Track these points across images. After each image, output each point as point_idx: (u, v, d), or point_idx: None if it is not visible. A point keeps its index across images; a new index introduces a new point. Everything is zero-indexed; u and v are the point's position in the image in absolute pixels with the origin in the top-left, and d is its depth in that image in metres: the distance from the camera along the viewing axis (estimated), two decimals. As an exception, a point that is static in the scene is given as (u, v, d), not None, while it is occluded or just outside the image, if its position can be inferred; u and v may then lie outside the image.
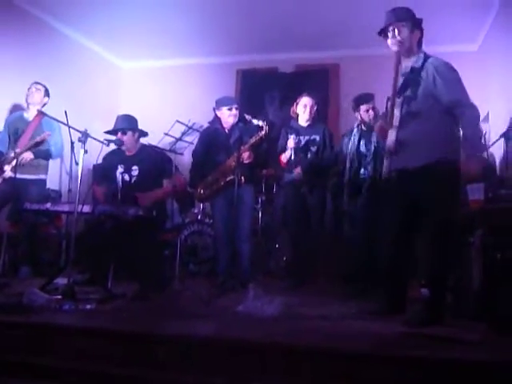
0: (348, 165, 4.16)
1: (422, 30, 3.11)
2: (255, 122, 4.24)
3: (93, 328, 2.56)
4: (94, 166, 6.09)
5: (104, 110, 6.77)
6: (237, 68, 7.00)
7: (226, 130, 4.45)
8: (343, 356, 2.19)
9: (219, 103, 4.45)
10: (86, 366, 2.39)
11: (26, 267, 4.54)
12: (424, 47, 3.17)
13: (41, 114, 4.71)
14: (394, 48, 3.07)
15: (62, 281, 3.58)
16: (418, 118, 2.97)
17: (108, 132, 4.14)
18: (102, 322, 2.73)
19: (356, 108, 4.24)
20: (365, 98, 4.21)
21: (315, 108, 4.55)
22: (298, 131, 4.49)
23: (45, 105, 4.85)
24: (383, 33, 3.12)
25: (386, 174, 3.16)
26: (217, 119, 4.48)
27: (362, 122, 4.20)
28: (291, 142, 4.39)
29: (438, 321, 2.79)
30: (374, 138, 4.05)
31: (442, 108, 2.93)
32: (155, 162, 4.04)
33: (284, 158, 4.46)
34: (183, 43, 6.54)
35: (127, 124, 4.13)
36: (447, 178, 2.89)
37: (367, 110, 4.18)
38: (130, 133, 4.10)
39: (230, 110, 4.39)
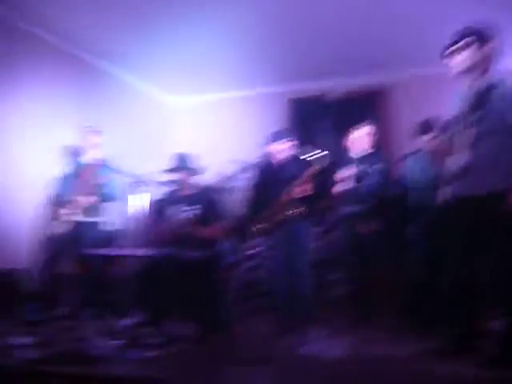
0: (413, 192, 4.03)
1: (493, 45, 2.90)
2: (309, 154, 4.19)
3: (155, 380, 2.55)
4: (150, 203, 6.26)
5: (156, 148, 6.93)
6: (288, 97, 7.01)
7: (280, 164, 4.42)
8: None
9: (270, 138, 4.45)
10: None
11: (90, 308, 4.61)
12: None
13: (98, 158, 4.87)
14: (458, 69, 2.94)
15: (123, 322, 3.64)
16: (487, 140, 2.81)
17: (165, 171, 4.20)
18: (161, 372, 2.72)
19: (419, 136, 4.13)
20: (427, 127, 4.09)
21: (369, 138, 4.47)
22: (353, 163, 4.42)
23: (98, 147, 4.97)
24: (447, 52, 2.97)
25: (450, 200, 3.01)
26: (269, 153, 4.48)
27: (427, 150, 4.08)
28: (345, 174, 4.32)
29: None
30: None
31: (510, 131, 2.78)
32: (210, 204, 4.06)
33: (337, 189, 4.38)
34: (232, 75, 6.61)
35: (182, 163, 4.18)
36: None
37: (431, 139, 4.05)
38: (184, 171, 4.14)
39: (281, 144, 4.37)
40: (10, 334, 3.46)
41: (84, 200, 4.68)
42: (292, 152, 4.38)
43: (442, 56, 2.98)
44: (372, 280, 4.40)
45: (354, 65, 6.23)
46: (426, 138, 4.05)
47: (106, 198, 4.83)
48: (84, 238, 4.65)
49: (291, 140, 4.41)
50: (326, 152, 5.69)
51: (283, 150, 4.36)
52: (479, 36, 2.89)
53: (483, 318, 2.98)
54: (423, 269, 3.93)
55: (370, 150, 4.47)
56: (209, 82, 6.83)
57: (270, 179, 4.40)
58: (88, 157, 4.95)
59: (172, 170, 4.16)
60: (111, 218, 5.15)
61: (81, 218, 4.71)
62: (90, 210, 4.76)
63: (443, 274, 3.47)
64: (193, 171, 4.18)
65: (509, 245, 2.74)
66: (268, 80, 6.75)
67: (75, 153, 5.13)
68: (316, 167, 4.15)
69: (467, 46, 2.89)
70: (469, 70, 2.91)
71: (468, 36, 2.90)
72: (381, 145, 6.16)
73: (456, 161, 2.94)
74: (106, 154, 4.97)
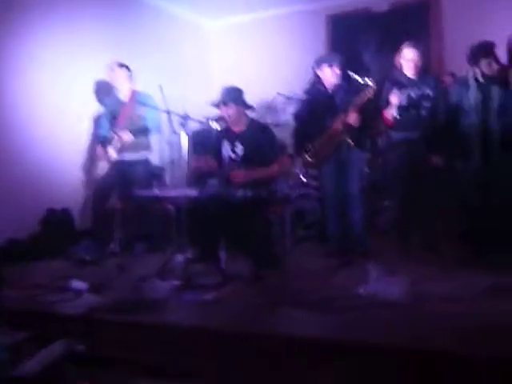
0: (466, 120, 3.75)
1: None
2: (359, 79, 3.92)
3: (213, 328, 2.54)
4: (192, 132, 6.14)
5: (196, 76, 6.73)
6: (326, 13, 6.59)
7: (330, 91, 4.18)
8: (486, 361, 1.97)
9: (319, 62, 4.18)
10: (208, 366, 2.38)
11: (141, 244, 4.67)
12: None
13: (134, 93, 4.72)
14: None
15: (177, 258, 3.64)
16: None
17: (212, 104, 4.01)
18: (220, 319, 2.71)
19: (475, 61, 3.75)
20: (485, 50, 3.69)
21: (421, 58, 4.13)
22: (406, 85, 4.12)
23: (129, 81, 4.81)
24: None
25: None
26: (317, 79, 4.22)
27: (483, 75, 3.72)
28: (394, 99, 4.03)
29: None
30: (496, 94, 3.60)
31: None
32: (262, 140, 3.84)
33: (389, 114, 4.13)
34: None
35: (231, 96, 3.91)
36: None
37: (489, 64, 3.66)
38: (233, 105, 3.89)
39: (331, 67, 4.11)
40: (66, 275, 3.52)
41: (126, 137, 4.60)
42: (342, 77, 4.12)
43: None
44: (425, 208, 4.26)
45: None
46: (484, 61, 3.67)
47: (143, 131, 4.72)
48: (131, 175, 4.64)
49: (340, 64, 4.14)
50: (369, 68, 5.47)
51: (333, 75, 4.11)
52: None
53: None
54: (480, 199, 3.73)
55: (420, 73, 4.15)
56: (241, 2, 6.42)
57: (319, 106, 4.18)
58: (123, 92, 4.80)
59: (220, 104, 3.92)
60: (157, 154, 5.11)
61: (125, 155, 4.67)
62: (134, 146, 4.68)
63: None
64: (243, 106, 3.94)
65: None
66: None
67: (110, 89, 5.00)
68: (368, 92, 3.90)
69: None
70: None
71: None
72: (429, 61, 5.84)
73: None
74: (143, 86, 4.82)
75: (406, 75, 4.13)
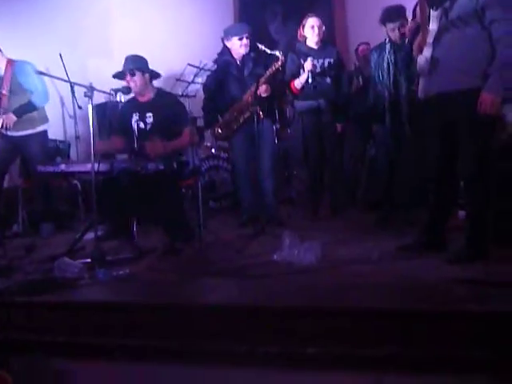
0: (379, 86, 3.85)
1: None
2: (268, 51, 3.95)
3: (128, 302, 2.50)
4: (95, 105, 5.90)
5: (98, 45, 6.43)
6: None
7: (238, 62, 4.17)
8: (392, 315, 2.10)
9: (228, 33, 4.15)
10: (127, 340, 2.34)
11: (47, 223, 4.43)
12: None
13: (10, 63, 4.32)
14: None
15: (86, 236, 3.53)
16: (457, 32, 2.64)
17: (116, 75, 3.86)
18: (135, 293, 2.68)
19: (383, 24, 3.80)
20: (391, 15, 3.76)
21: (323, 29, 4.23)
22: (310, 55, 4.20)
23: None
24: None
25: (423, 96, 2.91)
26: (226, 50, 4.19)
27: (390, 41, 3.82)
28: (308, 65, 4.10)
29: (482, 255, 2.70)
30: (400, 61, 3.73)
31: (482, 23, 2.60)
32: (171, 109, 3.76)
33: (298, 84, 4.20)
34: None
35: (136, 64, 3.78)
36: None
37: (393, 29, 3.76)
38: (139, 74, 3.77)
39: (240, 39, 4.10)
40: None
41: (10, 119, 4.23)
42: (250, 48, 4.12)
43: None
44: (334, 174, 4.42)
45: None
46: (392, 25, 3.75)
47: (27, 108, 4.34)
48: (28, 151, 4.35)
49: (249, 35, 4.13)
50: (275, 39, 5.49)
51: (241, 46, 4.10)
52: None
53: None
54: (389, 165, 3.90)
55: (322, 43, 4.25)
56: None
57: (229, 77, 4.16)
58: (2, 63, 4.33)
59: (126, 73, 3.78)
60: (54, 127, 4.81)
61: (17, 132, 4.33)
62: (25, 121, 4.33)
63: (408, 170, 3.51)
64: (148, 73, 3.82)
65: (478, 145, 2.70)
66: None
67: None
68: (276, 64, 3.95)
69: None
70: None
71: None
72: (333, 34, 5.97)
73: (424, 54, 2.81)
74: (44, 54, 4.53)
75: (308, 45, 4.22)
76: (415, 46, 2.88)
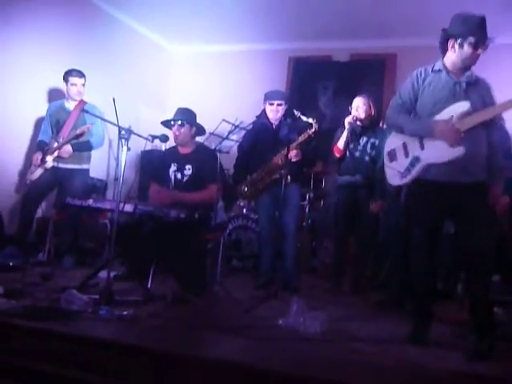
0: None
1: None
2: (304, 118, 4.04)
3: (125, 343, 2.46)
4: (141, 152, 6.12)
5: (152, 96, 6.75)
6: (289, 55, 6.77)
7: (274, 126, 4.27)
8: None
9: (265, 97, 4.30)
10: (113, 382, 2.30)
11: (70, 257, 4.53)
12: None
13: (82, 103, 4.67)
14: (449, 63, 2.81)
15: (103, 274, 3.55)
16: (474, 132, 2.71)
17: (164, 122, 4.02)
18: (134, 336, 2.64)
19: None
20: None
21: (369, 108, 4.28)
22: (356, 131, 4.26)
23: (82, 91, 4.76)
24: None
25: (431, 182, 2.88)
26: (264, 113, 4.32)
27: None
28: (348, 119, 4.20)
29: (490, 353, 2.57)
30: None
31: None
32: (208, 163, 3.85)
33: (340, 144, 4.23)
34: (235, 28, 6.38)
35: (187, 117, 3.95)
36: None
37: None
38: (187, 126, 3.93)
39: (271, 104, 4.23)
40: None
41: (67, 150, 4.52)
42: (287, 113, 4.22)
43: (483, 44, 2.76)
44: (359, 252, 4.35)
45: (362, 28, 5.99)
46: None
47: (84, 147, 4.65)
48: (67, 185, 4.53)
49: (286, 102, 4.25)
50: (323, 112, 5.59)
51: (272, 111, 4.21)
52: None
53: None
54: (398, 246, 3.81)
55: (370, 121, 4.30)
56: (211, 32, 6.57)
57: (263, 140, 4.26)
58: (73, 103, 4.74)
59: (175, 122, 3.93)
60: (97, 167, 5.02)
61: (64, 164, 4.58)
62: (75, 157, 4.60)
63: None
64: (195, 127, 3.97)
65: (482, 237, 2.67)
66: (274, 36, 6.49)
67: (60, 96, 4.94)
68: (310, 131, 4.01)
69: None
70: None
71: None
72: (381, 108, 6.05)
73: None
74: (99, 96, 4.77)
75: (356, 123, 4.27)
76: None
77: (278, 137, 4.21)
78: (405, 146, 2.89)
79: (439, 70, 2.82)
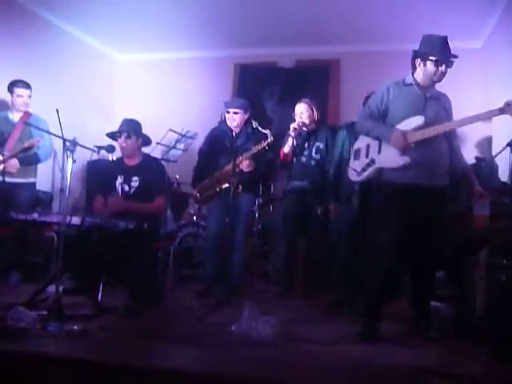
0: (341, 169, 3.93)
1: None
2: (261, 129, 4.10)
3: (73, 359, 2.43)
4: (88, 162, 6.02)
5: (98, 105, 6.65)
6: (234, 62, 6.82)
7: (234, 133, 4.30)
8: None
9: (227, 105, 4.34)
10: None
11: (15, 273, 4.40)
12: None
13: (27, 115, 4.56)
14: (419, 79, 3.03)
15: (51, 289, 3.47)
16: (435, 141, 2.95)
17: (110, 134, 3.98)
18: (86, 350, 2.60)
19: None
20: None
21: (312, 113, 4.38)
22: (302, 137, 4.35)
23: (27, 102, 4.61)
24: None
25: (391, 186, 3.01)
26: (224, 121, 4.36)
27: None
28: (291, 129, 4.27)
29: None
30: None
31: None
32: (155, 175, 3.87)
33: (286, 148, 4.31)
34: (180, 36, 6.36)
35: (133, 128, 3.94)
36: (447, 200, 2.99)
37: None
38: (133, 137, 3.92)
39: (228, 112, 4.26)
40: None
41: (13, 166, 4.39)
42: (246, 123, 4.28)
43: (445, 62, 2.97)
44: (308, 255, 4.43)
45: (306, 35, 6.10)
46: None
47: (32, 160, 4.53)
48: (12, 199, 4.39)
49: (247, 110, 4.29)
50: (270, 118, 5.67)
51: (235, 118, 4.25)
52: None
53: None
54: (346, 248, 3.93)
55: (315, 126, 4.40)
56: (156, 40, 6.53)
57: (220, 146, 4.28)
58: (17, 114, 4.60)
59: (121, 134, 3.91)
60: (42, 179, 4.89)
61: (10, 178, 4.43)
62: (19, 170, 4.46)
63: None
64: (141, 139, 3.97)
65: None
66: (219, 44, 6.52)
67: (2, 108, 4.79)
68: (264, 143, 4.07)
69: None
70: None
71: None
72: (326, 113, 6.20)
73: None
74: (43, 106, 4.65)
75: (302, 128, 4.34)
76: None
77: (234, 145, 4.24)
78: (368, 147, 3.12)
79: (410, 84, 3.03)
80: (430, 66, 2.94)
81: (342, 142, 4.02)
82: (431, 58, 2.92)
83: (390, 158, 2.95)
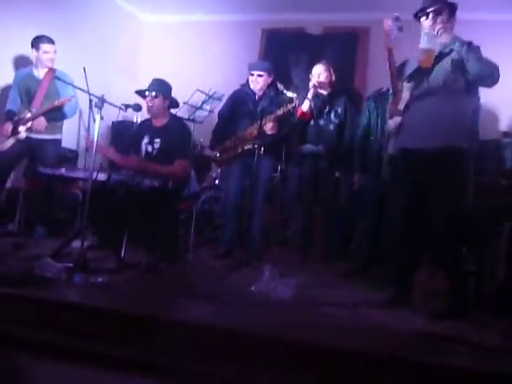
0: (375, 135, 3.89)
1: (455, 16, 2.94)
2: (287, 92, 4.07)
3: (99, 308, 2.50)
4: (112, 123, 6.06)
5: (123, 66, 6.64)
6: (262, 27, 6.74)
7: (256, 96, 4.28)
8: (352, 356, 2.09)
9: (251, 67, 4.30)
10: (90, 345, 2.34)
11: (42, 227, 4.50)
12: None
13: (52, 71, 4.57)
14: (426, 30, 2.89)
15: (76, 244, 3.56)
16: (440, 95, 2.83)
17: (138, 92, 3.99)
18: (109, 300, 2.68)
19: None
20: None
21: (332, 75, 4.35)
22: (320, 99, 4.32)
23: (53, 58, 4.61)
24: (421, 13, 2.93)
25: (395, 151, 3.00)
26: (247, 83, 4.32)
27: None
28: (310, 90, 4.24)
29: (463, 313, 2.70)
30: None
31: (468, 86, 2.82)
32: (178, 138, 3.84)
33: (304, 106, 4.26)
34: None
35: (161, 88, 3.91)
36: (458, 166, 2.80)
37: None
38: (161, 98, 3.89)
39: (251, 75, 4.23)
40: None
41: (41, 124, 4.43)
42: (270, 86, 4.24)
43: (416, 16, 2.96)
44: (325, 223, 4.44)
45: (336, 1, 5.97)
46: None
47: (59, 117, 4.57)
48: (39, 155, 4.46)
49: (270, 74, 4.25)
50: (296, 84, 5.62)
51: (258, 81, 4.21)
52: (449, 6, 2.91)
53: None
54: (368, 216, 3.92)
55: (332, 88, 4.37)
56: (185, 2, 6.45)
57: (243, 108, 4.27)
58: (42, 71, 4.61)
59: (149, 93, 3.90)
60: (67, 138, 4.94)
61: (37, 135, 4.49)
62: (48, 127, 4.50)
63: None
64: (169, 100, 3.95)
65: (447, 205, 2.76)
66: (244, 7, 6.42)
67: (26, 64, 4.82)
68: (290, 106, 4.04)
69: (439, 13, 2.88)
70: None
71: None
72: (353, 81, 6.13)
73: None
74: (70, 66, 4.68)
75: (319, 92, 4.32)
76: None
77: (257, 107, 4.21)
78: None
79: None
80: (423, 20, 2.92)
81: (370, 112, 3.96)
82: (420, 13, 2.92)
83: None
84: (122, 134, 5.24)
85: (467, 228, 2.86)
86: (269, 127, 4.04)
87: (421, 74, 2.91)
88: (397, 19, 2.89)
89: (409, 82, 2.94)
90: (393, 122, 2.97)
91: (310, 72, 4.45)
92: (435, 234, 2.85)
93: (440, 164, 2.78)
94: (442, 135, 2.80)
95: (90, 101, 4.14)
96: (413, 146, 2.86)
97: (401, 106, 2.93)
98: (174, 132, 3.90)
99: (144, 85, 4.03)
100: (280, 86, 4.15)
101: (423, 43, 2.83)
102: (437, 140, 2.80)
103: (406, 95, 2.93)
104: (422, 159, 2.82)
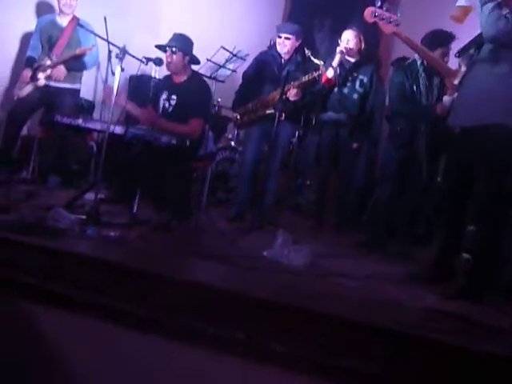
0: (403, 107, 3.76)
1: None
2: (314, 59, 3.95)
3: (110, 261, 2.48)
4: (130, 76, 5.96)
5: (144, 19, 6.49)
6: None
7: (283, 60, 4.16)
8: (359, 328, 2.06)
9: (279, 29, 4.18)
10: (97, 298, 2.34)
11: (55, 176, 4.48)
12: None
13: (75, 19, 4.49)
14: None
15: (89, 196, 3.54)
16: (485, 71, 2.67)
17: (159, 46, 3.89)
18: (119, 255, 2.67)
19: (430, 48, 3.44)
20: (443, 40, 3.64)
21: (361, 42, 4.22)
22: (346, 67, 4.20)
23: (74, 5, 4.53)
24: None
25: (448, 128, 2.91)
26: (274, 45, 4.21)
27: (423, 63, 3.68)
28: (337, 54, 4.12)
29: (477, 295, 2.65)
30: (436, 82, 3.68)
31: None
32: (196, 96, 3.75)
33: (329, 73, 4.10)
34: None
35: (181, 44, 3.80)
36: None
37: (444, 55, 3.59)
38: (180, 54, 3.78)
39: (279, 37, 4.11)
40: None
41: (61, 72, 4.38)
42: (297, 50, 4.13)
43: None
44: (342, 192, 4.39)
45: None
46: (440, 50, 3.57)
47: (79, 66, 4.51)
48: (56, 103, 4.41)
49: (299, 37, 4.13)
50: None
51: (279, 44, 4.11)
52: None
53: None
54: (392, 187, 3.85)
55: (360, 56, 4.26)
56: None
57: (267, 71, 4.17)
58: (65, 19, 4.53)
59: (169, 48, 3.79)
60: (84, 88, 4.87)
61: (56, 83, 4.44)
62: (68, 76, 4.45)
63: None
64: (189, 56, 3.84)
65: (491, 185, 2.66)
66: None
67: (49, 11, 4.72)
68: (316, 74, 3.93)
69: None
70: None
71: None
72: (378, 46, 5.97)
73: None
74: (90, 15, 4.58)
75: (346, 58, 4.21)
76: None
77: (282, 72, 4.10)
78: None
79: None
80: None
81: (401, 83, 3.78)
82: None
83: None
84: (140, 89, 5.15)
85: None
86: (292, 94, 3.96)
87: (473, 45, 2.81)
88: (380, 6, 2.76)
89: (459, 56, 2.87)
90: (449, 98, 2.88)
91: (338, 37, 4.31)
92: (475, 217, 2.75)
93: (492, 143, 2.62)
94: (497, 112, 2.61)
95: (110, 52, 4.08)
96: (467, 124, 2.73)
97: (456, 82, 2.84)
98: (191, 89, 3.81)
99: (166, 39, 3.93)
100: (307, 52, 4.05)
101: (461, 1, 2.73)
102: (491, 117, 2.63)
103: (462, 70, 2.83)
104: (473, 137, 2.69)
